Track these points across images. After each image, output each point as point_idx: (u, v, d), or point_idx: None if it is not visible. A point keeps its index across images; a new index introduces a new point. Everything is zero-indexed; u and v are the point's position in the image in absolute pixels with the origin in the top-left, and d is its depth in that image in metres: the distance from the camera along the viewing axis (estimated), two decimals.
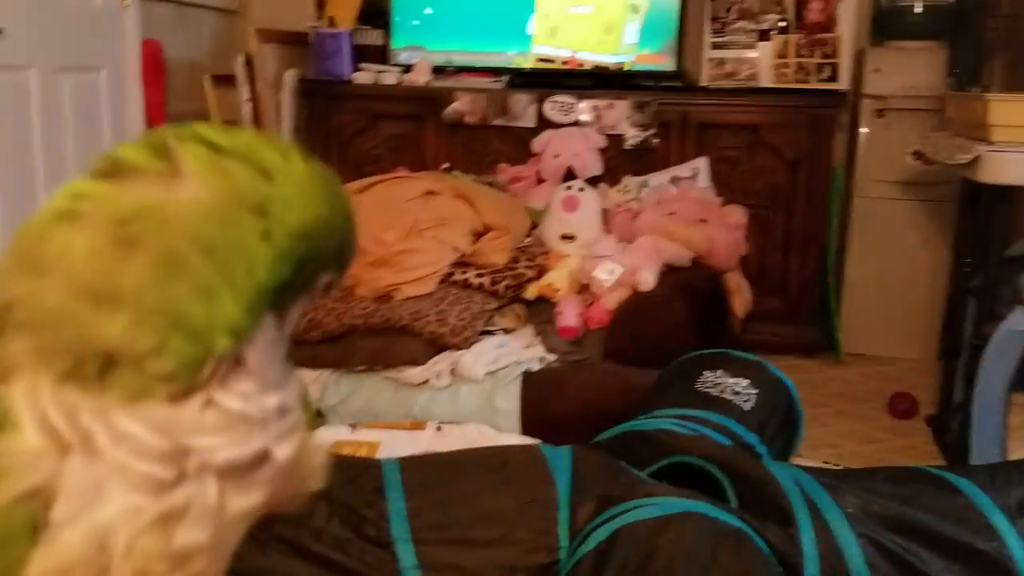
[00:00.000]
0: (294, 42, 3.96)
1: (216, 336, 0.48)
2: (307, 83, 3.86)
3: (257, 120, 3.68)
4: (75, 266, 0.47)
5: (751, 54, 3.61)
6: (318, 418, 2.59)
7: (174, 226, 0.47)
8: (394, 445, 2.33)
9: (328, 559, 1.82)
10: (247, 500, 0.52)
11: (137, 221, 0.47)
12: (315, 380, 2.62)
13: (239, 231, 0.48)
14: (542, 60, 3.81)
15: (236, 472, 0.51)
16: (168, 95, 3.61)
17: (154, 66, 3.51)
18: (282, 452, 0.52)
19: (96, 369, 0.47)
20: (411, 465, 1.96)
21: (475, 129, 3.71)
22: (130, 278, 0.47)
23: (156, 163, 0.48)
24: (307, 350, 2.66)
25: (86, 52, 3.27)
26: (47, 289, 0.47)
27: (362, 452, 2.29)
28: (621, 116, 3.59)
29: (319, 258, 0.52)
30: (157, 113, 3.56)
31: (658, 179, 3.50)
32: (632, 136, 3.60)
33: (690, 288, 2.83)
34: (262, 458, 0.52)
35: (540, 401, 2.52)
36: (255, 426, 0.51)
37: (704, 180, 3.53)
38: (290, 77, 3.81)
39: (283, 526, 1.85)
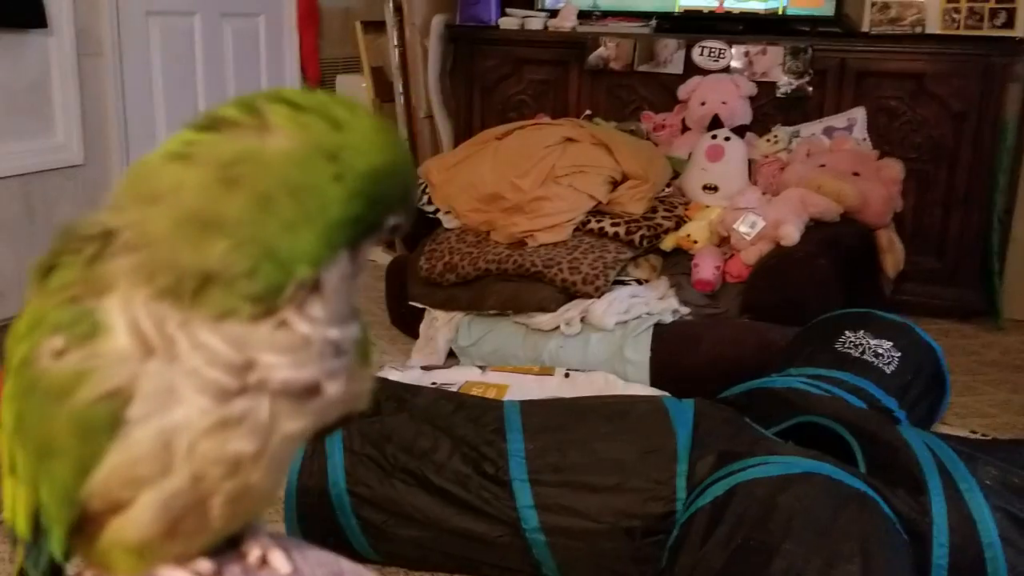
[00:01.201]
0: None
1: (298, 264, 0.55)
2: (454, 28, 3.88)
3: (404, 65, 3.73)
4: (186, 197, 0.55)
5: None
6: (449, 358, 2.64)
7: (267, 170, 0.55)
8: (522, 389, 2.36)
9: (448, 492, 1.88)
10: (295, 424, 0.57)
11: (239, 164, 0.55)
12: (449, 322, 2.67)
13: (316, 174, 0.55)
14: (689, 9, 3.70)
15: (289, 396, 0.56)
16: (321, 41, 3.71)
17: (309, 12, 3.62)
18: (332, 389, 0.57)
19: (192, 287, 0.54)
20: (532, 408, 1.99)
21: (620, 75, 3.65)
22: (232, 211, 0.54)
23: (249, 119, 0.57)
24: (442, 292, 2.73)
25: None
26: (158, 215, 0.55)
27: (491, 394, 2.32)
28: (774, 63, 3.45)
29: (386, 200, 0.58)
30: (311, 58, 3.67)
31: (811, 129, 3.36)
32: (785, 84, 3.45)
33: (838, 244, 2.72)
34: (313, 390, 0.57)
35: (671, 353, 2.50)
36: (314, 354, 0.56)
37: (860, 131, 3.36)
38: (437, 22, 3.85)
39: (407, 458, 1.91)
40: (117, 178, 2.85)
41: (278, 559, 0.61)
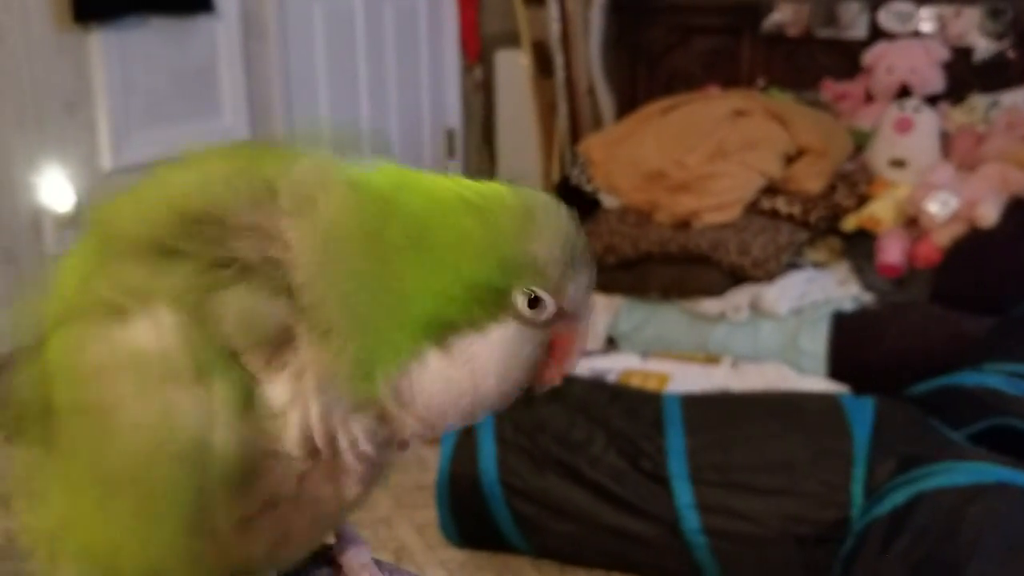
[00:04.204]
0: None
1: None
2: None
3: (566, 38, 3.65)
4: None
5: None
6: (608, 344, 2.58)
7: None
8: (685, 378, 2.27)
9: (602, 487, 1.84)
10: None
11: None
12: (608, 306, 2.62)
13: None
14: None
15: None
16: (481, 15, 3.68)
17: None
18: (353, 491, 0.50)
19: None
20: (694, 402, 1.92)
21: (797, 41, 3.46)
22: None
23: None
24: (601, 275, 2.60)
25: None
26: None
27: (651, 383, 2.24)
28: (970, 24, 3.20)
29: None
30: (471, 34, 3.65)
31: (1012, 98, 3.09)
32: (983, 48, 3.20)
33: None
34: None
35: (852, 344, 2.37)
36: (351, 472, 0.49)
37: None
38: None
39: (560, 449, 1.87)
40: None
41: None
